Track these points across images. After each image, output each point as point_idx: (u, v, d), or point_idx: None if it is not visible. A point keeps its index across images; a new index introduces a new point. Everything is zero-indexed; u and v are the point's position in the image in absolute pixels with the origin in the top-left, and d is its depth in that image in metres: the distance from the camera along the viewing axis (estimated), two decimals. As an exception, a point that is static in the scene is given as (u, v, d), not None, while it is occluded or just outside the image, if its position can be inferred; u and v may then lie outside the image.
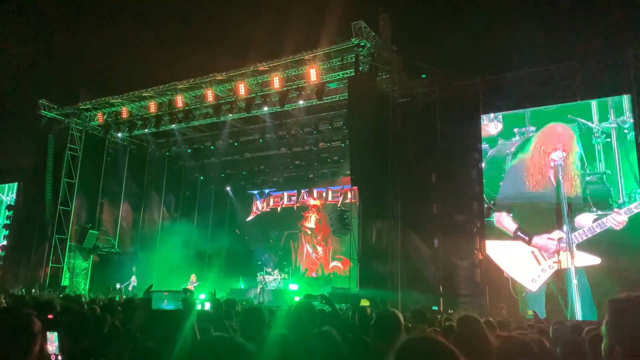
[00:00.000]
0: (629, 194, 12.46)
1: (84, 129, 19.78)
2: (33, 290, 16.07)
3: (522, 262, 13.09)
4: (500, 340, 2.69)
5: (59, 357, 2.14)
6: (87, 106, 19.09)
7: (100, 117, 19.41)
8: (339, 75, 15.20)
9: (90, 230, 19.04)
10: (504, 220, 13.61)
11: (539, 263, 12.99)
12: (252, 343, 2.00)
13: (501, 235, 13.56)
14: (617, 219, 12.35)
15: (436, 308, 12.29)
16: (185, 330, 2.38)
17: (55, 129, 19.23)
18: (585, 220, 12.62)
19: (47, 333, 1.95)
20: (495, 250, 13.48)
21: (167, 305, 2.73)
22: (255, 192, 24.23)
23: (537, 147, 13.64)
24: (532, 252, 13.13)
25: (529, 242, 13.18)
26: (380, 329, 2.92)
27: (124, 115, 18.85)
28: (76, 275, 19.21)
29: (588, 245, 12.48)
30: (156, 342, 2.40)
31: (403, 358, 1.51)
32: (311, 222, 22.42)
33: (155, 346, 2.39)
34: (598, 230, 12.48)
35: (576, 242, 12.63)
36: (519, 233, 13.35)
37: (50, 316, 2.14)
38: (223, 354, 1.60)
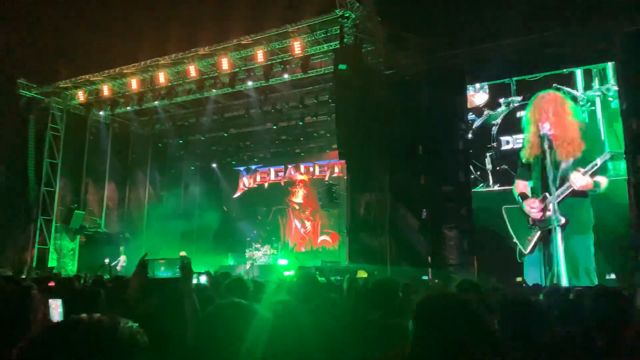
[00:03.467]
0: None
1: (64, 108, 19.38)
2: (22, 274, 15.92)
3: (522, 227, 13.19)
4: (499, 302, 2.71)
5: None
6: (67, 84, 18.67)
7: (81, 96, 19.00)
8: (323, 47, 15.01)
9: (75, 211, 18.82)
10: (517, 187, 13.61)
11: (530, 228, 13.11)
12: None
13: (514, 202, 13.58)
14: (576, 179, 12.50)
15: (426, 278, 12.43)
16: (186, 298, 2.34)
17: (35, 108, 18.80)
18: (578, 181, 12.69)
19: (50, 300, 1.91)
20: (511, 216, 13.46)
21: (163, 272, 2.69)
22: (242, 168, 24.12)
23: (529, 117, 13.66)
24: (527, 215, 13.23)
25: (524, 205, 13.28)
26: (378, 293, 2.92)
27: (106, 93, 18.49)
28: (63, 256, 19.06)
29: (564, 207, 12.65)
30: (155, 310, 2.37)
31: (426, 315, 1.49)
32: (299, 197, 22.42)
33: (155, 313, 2.35)
34: (567, 192, 12.65)
35: (555, 204, 12.76)
36: (520, 198, 13.43)
37: (51, 283, 2.09)
38: (236, 318, 1.57)
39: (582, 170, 12.53)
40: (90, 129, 20.07)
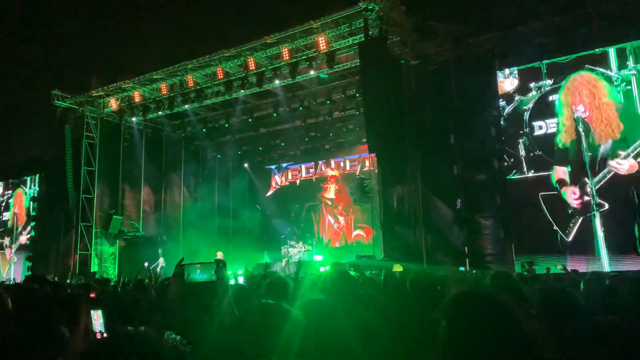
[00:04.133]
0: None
1: (98, 116, 19.88)
2: (67, 280, 16.43)
3: (562, 214, 12.94)
4: (536, 292, 2.65)
5: (104, 335, 2.17)
6: (100, 93, 19.14)
7: (113, 103, 19.46)
8: (348, 41, 14.94)
9: (114, 216, 19.31)
10: (556, 174, 13.34)
11: (571, 215, 12.83)
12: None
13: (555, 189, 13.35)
14: (620, 163, 12.15)
15: (463, 269, 12.27)
16: (222, 300, 2.38)
17: (70, 118, 19.36)
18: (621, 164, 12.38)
19: (92, 311, 1.97)
20: (549, 204, 13.23)
21: (200, 275, 2.74)
22: (273, 166, 24.28)
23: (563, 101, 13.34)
24: (570, 203, 12.95)
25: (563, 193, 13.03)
26: (417, 288, 2.90)
27: (137, 99, 18.87)
28: (104, 261, 19.57)
29: (606, 192, 12.34)
30: (194, 312, 2.41)
31: (458, 313, 1.48)
32: (331, 192, 22.44)
33: (194, 314, 2.40)
34: (608, 176, 12.31)
35: (595, 189, 12.45)
36: (559, 185, 13.17)
37: (92, 295, 2.16)
38: (270, 319, 1.59)
39: (622, 153, 12.21)
40: (124, 135, 20.54)
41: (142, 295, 4.35)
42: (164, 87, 18.16)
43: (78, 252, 18.86)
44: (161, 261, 18.62)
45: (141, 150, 21.03)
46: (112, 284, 9.23)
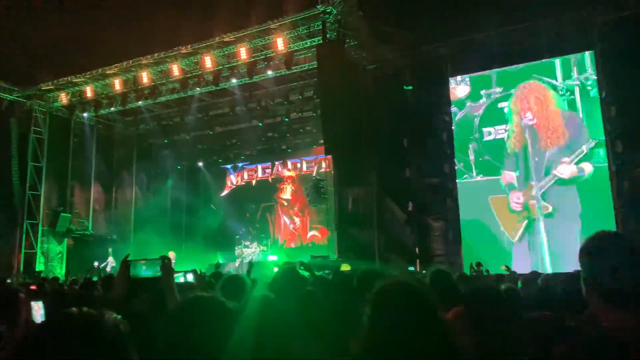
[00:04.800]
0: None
1: (47, 110, 19.22)
2: (8, 280, 15.79)
3: (509, 216, 13.45)
4: (468, 288, 2.80)
5: None
6: (50, 87, 18.52)
7: (63, 98, 18.85)
8: (306, 43, 15.03)
9: (62, 214, 18.68)
10: (504, 178, 13.82)
11: (517, 218, 13.36)
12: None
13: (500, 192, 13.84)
14: (563, 168, 12.81)
15: (412, 269, 12.57)
16: (166, 295, 2.39)
17: (17, 112, 18.63)
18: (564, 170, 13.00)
19: (32, 303, 1.97)
20: (498, 206, 13.68)
21: (145, 271, 2.74)
22: (229, 166, 24.08)
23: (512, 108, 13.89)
24: (513, 206, 13.48)
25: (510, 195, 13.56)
26: (363, 284, 3.00)
27: (89, 94, 18.36)
28: (51, 260, 18.93)
29: (550, 196, 12.95)
30: (138, 308, 2.42)
31: (380, 301, 1.58)
32: (287, 193, 22.47)
33: (138, 311, 2.40)
34: (552, 180, 12.93)
35: (539, 193, 13.04)
36: (507, 189, 13.69)
37: (33, 287, 2.16)
38: (205, 312, 1.62)
39: (567, 159, 12.83)
40: (74, 131, 19.91)
41: (90, 292, 4.28)
42: (117, 83, 17.74)
43: (23, 250, 18.17)
44: (111, 260, 18.16)
45: (92, 147, 20.44)
46: (60, 282, 8.98)
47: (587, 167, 12.87)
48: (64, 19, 19.02)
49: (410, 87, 14.49)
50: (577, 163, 12.89)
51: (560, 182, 13.04)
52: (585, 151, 12.85)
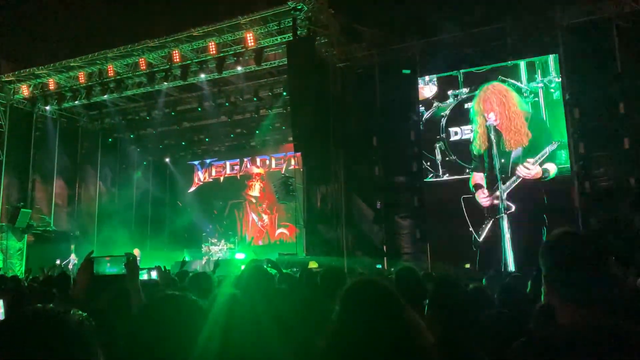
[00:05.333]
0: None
1: (8, 102, 18.58)
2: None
3: (478, 216, 13.69)
4: (434, 284, 2.85)
5: None
6: (10, 78, 17.92)
7: (25, 90, 18.28)
8: (277, 39, 14.96)
9: (22, 209, 18.11)
10: (474, 179, 14.06)
11: (484, 217, 13.63)
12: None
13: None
14: (527, 168, 13.16)
15: (380, 267, 12.69)
16: (132, 294, 2.35)
17: (-25, 103, 18.00)
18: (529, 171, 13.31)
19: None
20: (468, 206, 13.89)
21: (110, 268, 2.69)
22: (196, 162, 23.80)
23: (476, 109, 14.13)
24: (482, 204, 13.74)
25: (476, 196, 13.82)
26: (327, 282, 3.01)
27: (52, 87, 17.85)
28: (10, 257, 18.34)
29: (514, 196, 13.27)
30: (101, 306, 2.36)
31: (349, 299, 1.59)
32: (255, 190, 22.36)
33: (101, 309, 2.35)
34: (517, 181, 13.27)
35: (505, 193, 13.34)
36: (475, 189, 13.95)
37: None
38: (174, 310, 1.60)
39: (531, 160, 13.15)
40: (36, 124, 19.33)
41: (50, 290, 4.17)
42: (81, 76, 17.29)
43: (-20, 247, 17.57)
44: (73, 257, 17.74)
45: (55, 141, 19.87)
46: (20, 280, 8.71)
47: (551, 168, 13.22)
48: (25, 8, 18.46)
49: (408, 71, 14.51)
50: (541, 164, 13.22)
51: (524, 182, 13.36)
52: (547, 152, 13.20)
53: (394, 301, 1.57)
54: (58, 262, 16.93)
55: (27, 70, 17.58)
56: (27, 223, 18.31)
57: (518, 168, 13.45)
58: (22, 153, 18.78)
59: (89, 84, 17.44)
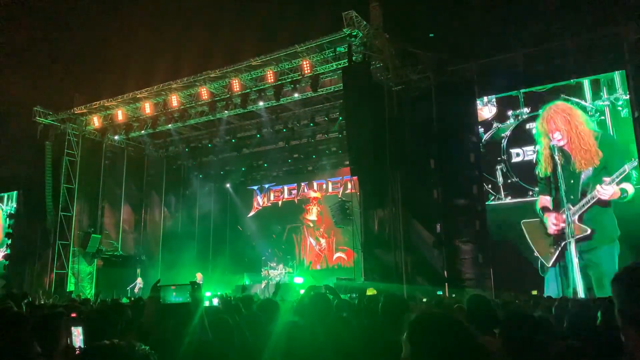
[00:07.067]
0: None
1: (80, 133, 19.76)
2: (41, 301, 16.09)
3: (543, 240, 13.18)
4: (505, 314, 2.75)
5: None
6: (83, 110, 19.08)
7: (96, 121, 19.39)
8: (332, 66, 15.18)
9: (92, 235, 19.07)
10: (540, 202, 13.62)
11: (552, 241, 13.06)
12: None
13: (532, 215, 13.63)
14: (604, 189, 12.48)
15: (440, 293, 12.35)
16: (195, 322, 2.42)
17: (52, 135, 19.23)
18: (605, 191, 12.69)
19: (72, 328, 2.09)
20: (531, 230, 13.46)
21: (175, 297, 2.78)
22: (255, 187, 24.28)
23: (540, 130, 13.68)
24: (550, 230, 13.20)
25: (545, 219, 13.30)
26: (388, 311, 2.97)
27: (120, 117, 18.83)
28: (81, 280, 19.26)
29: (587, 218, 12.62)
30: (168, 334, 2.44)
31: (416, 332, 1.56)
32: (313, 214, 22.48)
33: (168, 337, 2.43)
34: (592, 202, 12.60)
35: (576, 216, 12.72)
36: (542, 212, 13.45)
37: (73, 315, 2.25)
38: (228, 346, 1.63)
39: (607, 179, 12.49)
40: (105, 153, 20.44)
41: (119, 315, 4.33)
42: (147, 106, 18.17)
43: (54, 270, 18.56)
44: (139, 281, 18.39)
45: (122, 169, 20.92)
46: (91, 303, 9.11)
47: (629, 188, 12.51)
48: (96, 46, 19.66)
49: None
50: (618, 183, 12.56)
51: (598, 203, 12.71)
52: (627, 170, 12.50)
53: (463, 329, 1.54)
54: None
55: (98, 102, 18.65)
56: (97, 248, 19.24)
57: (591, 188, 12.80)
58: (92, 181, 19.86)
59: (155, 114, 18.27)
